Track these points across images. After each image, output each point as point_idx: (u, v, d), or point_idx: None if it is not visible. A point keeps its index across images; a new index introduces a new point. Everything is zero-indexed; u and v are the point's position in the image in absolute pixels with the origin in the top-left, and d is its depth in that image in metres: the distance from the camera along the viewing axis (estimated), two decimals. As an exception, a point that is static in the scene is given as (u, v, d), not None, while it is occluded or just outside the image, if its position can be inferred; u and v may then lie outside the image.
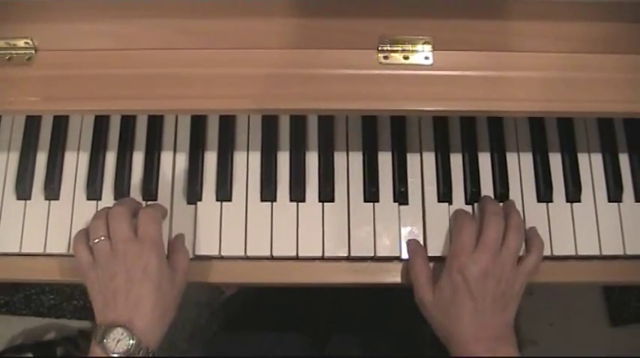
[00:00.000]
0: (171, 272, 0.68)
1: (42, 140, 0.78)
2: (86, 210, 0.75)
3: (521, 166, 0.78)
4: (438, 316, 0.68)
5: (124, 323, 0.63)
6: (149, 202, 0.76)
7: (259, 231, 0.74)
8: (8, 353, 1.45)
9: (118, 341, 0.62)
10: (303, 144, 0.78)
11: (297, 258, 0.74)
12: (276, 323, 0.94)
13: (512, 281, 0.67)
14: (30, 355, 1.42)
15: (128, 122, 0.78)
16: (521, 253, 0.70)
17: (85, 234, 0.70)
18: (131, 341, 0.62)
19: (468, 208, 0.76)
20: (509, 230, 0.68)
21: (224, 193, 0.75)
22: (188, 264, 0.71)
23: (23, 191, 0.76)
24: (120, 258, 0.65)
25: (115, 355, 0.61)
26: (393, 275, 0.75)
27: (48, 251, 0.74)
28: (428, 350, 0.94)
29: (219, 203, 0.75)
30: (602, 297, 1.55)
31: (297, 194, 0.75)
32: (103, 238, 0.67)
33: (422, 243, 0.74)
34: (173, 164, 0.77)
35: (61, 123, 0.78)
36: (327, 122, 0.78)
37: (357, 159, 0.77)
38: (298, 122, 0.78)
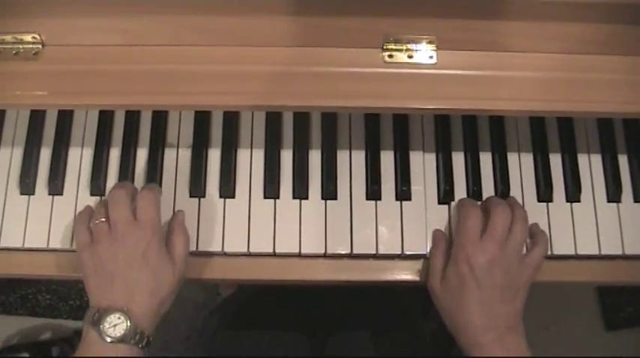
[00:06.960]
0: (170, 259, 0.67)
1: (46, 135, 0.78)
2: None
3: (521, 166, 0.78)
4: (446, 305, 0.68)
5: (121, 308, 0.62)
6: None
7: (262, 227, 0.75)
8: (4, 353, 1.44)
9: (115, 326, 0.61)
10: (306, 142, 0.78)
11: (299, 255, 0.74)
12: (275, 323, 0.94)
13: (518, 272, 0.67)
14: (26, 355, 1.42)
15: (132, 118, 0.79)
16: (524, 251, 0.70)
17: (88, 215, 0.70)
18: (128, 323, 0.61)
19: (470, 207, 0.76)
20: (516, 221, 0.69)
21: (227, 190, 0.76)
22: (187, 249, 0.70)
23: (27, 186, 0.76)
24: (119, 241, 0.65)
25: (110, 339, 0.61)
26: (394, 273, 0.75)
27: (51, 246, 0.74)
28: (427, 349, 0.94)
29: (222, 199, 0.76)
30: (596, 301, 1.56)
31: (300, 191, 0.76)
32: (103, 220, 0.66)
33: (424, 240, 0.75)
34: (176, 160, 0.77)
35: (65, 119, 0.78)
36: (330, 120, 0.79)
37: (359, 157, 0.77)
38: (301, 119, 0.79)
